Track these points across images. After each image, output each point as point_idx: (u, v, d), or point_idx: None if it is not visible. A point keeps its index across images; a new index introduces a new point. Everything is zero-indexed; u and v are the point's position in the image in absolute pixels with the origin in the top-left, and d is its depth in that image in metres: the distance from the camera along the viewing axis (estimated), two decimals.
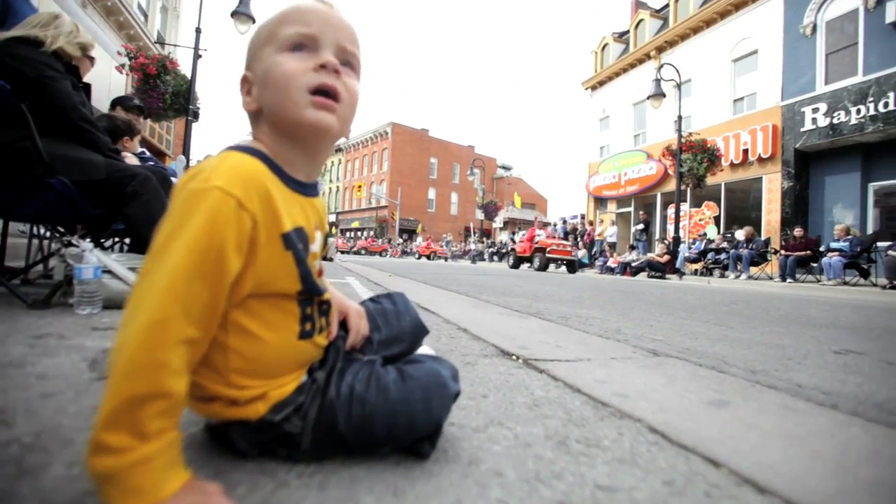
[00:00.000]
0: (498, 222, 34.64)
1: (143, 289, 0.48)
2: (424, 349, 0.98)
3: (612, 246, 16.61)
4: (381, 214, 38.75)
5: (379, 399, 0.62)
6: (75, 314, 1.55)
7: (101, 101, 9.73)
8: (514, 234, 27.67)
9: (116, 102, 2.95)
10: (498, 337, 1.83)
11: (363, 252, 30.66)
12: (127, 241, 2.51)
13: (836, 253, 8.89)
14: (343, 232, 37.33)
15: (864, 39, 11.79)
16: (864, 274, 8.72)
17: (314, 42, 0.60)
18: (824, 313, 3.37)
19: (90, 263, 1.56)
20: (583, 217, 22.96)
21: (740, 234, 11.72)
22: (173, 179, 2.62)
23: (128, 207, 1.75)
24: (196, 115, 8.03)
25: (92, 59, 2.08)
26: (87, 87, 2.05)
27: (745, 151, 14.23)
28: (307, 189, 0.64)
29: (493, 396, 1.05)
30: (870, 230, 11.57)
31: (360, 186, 29.96)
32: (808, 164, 13.21)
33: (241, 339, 0.57)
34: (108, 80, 10.23)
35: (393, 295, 0.88)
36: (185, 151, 8.15)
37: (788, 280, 9.42)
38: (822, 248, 9.57)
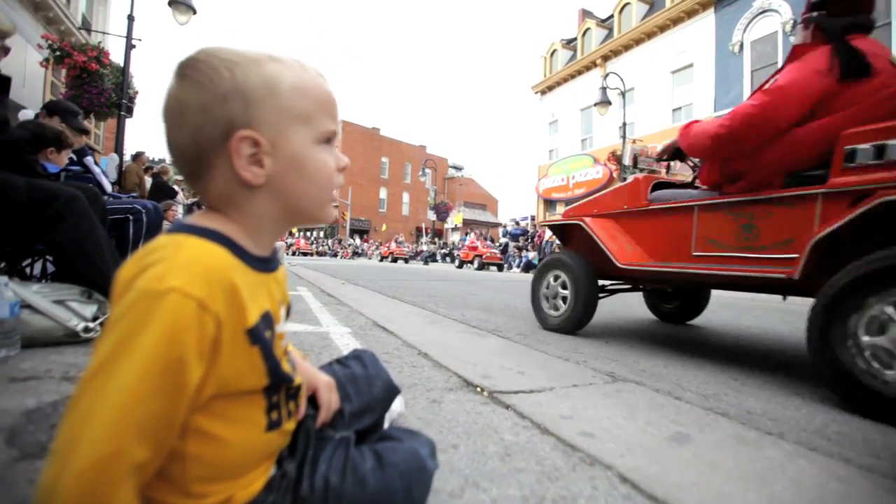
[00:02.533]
0: (449, 223, 34.85)
1: (87, 410, 0.41)
2: (395, 403, 0.94)
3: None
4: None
5: (357, 491, 0.57)
6: None
7: (15, 90, 8.80)
8: (466, 234, 27.97)
9: (53, 111, 2.64)
10: (460, 364, 1.81)
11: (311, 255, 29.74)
12: (49, 258, 2.26)
13: None
14: (304, 232, 35.95)
15: (782, 60, 12.87)
16: None
17: (335, 137, 0.58)
18: (756, 321, 3.62)
19: (5, 300, 1.38)
20: (533, 218, 23.57)
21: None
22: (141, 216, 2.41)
23: (53, 233, 1.56)
24: (130, 111, 7.44)
25: (6, 49, 1.84)
26: (7, 81, 1.81)
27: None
28: (270, 264, 0.58)
29: (464, 447, 1.02)
30: None
31: None
32: None
33: (202, 444, 0.50)
34: (23, 67, 9.29)
35: (362, 356, 0.83)
36: (118, 149, 7.53)
37: None
38: None
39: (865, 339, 1.37)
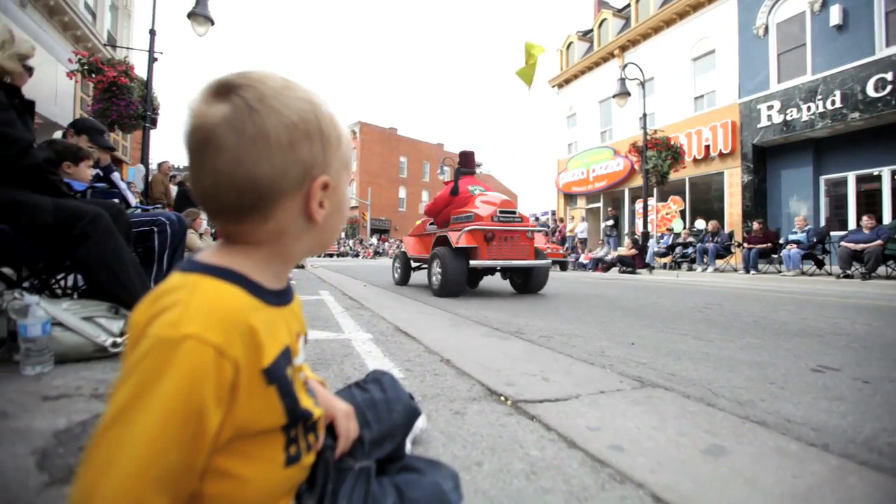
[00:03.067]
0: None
1: (105, 461, 0.40)
2: (418, 420, 0.92)
3: (583, 242, 16.91)
4: (352, 215, 38.22)
5: None
6: (22, 376, 1.40)
7: (47, 108, 9.14)
8: None
9: (81, 129, 2.72)
10: (483, 370, 1.78)
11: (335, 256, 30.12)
12: (79, 276, 2.32)
13: (794, 245, 9.31)
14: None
15: (811, 41, 12.36)
16: (819, 264, 9.16)
17: None
18: (792, 316, 3.48)
19: (37, 319, 1.41)
20: (553, 213, 23.28)
21: (700, 224, 12.20)
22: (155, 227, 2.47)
23: (79, 251, 1.60)
24: (154, 122, 7.64)
25: (31, 70, 1.88)
26: (31, 105, 1.86)
27: (707, 147, 14.72)
28: (286, 297, 0.57)
29: (488, 464, 0.99)
30: (822, 221, 12.20)
31: None
32: (765, 159, 13.78)
33: (220, 484, 0.49)
34: (54, 85, 9.64)
35: (381, 380, 0.81)
36: (144, 160, 7.76)
37: (752, 272, 9.79)
38: (781, 241, 10.00)
39: None
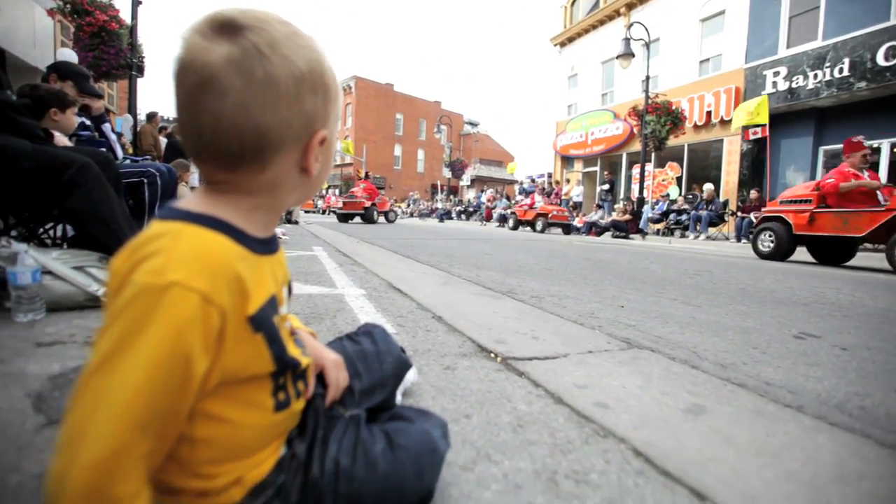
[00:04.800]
0: (465, 180, 34.40)
1: (91, 407, 0.40)
2: (410, 376, 0.94)
3: (578, 205, 16.88)
4: (346, 172, 37.66)
5: (367, 474, 0.57)
6: (14, 322, 1.40)
7: (25, 51, 8.69)
8: (482, 191, 27.63)
9: (65, 74, 2.57)
10: (474, 328, 1.81)
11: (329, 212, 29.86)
12: (68, 227, 2.29)
13: None
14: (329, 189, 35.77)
15: (825, 3, 11.92)
16: None
17: None
18: (779, 285, 3.54)
19: (26, 267, 1.40)
20: (550, 175, 23.08)
21: (707, 186, 12.19)
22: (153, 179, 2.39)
23: (68, 201, 1.57)
24: (141, 70, 7.33)
25: None
26: (0, 55, 1.76)
27: (709, 113, 14.47)
28: (271, 245, 0.56)
29: (477, 417, 1.02)
30: None
31: None
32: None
33: (210, 427, 0.50)
34: (31, 27, 9.14)
35: (373, 332, 0.82)
36: (131, 109, 7.50)
37: (744, 240, 9.88)
38: None
39: None
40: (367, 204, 13.67)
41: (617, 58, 12.76)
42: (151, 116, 8.24)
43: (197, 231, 0.47)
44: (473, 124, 50.88)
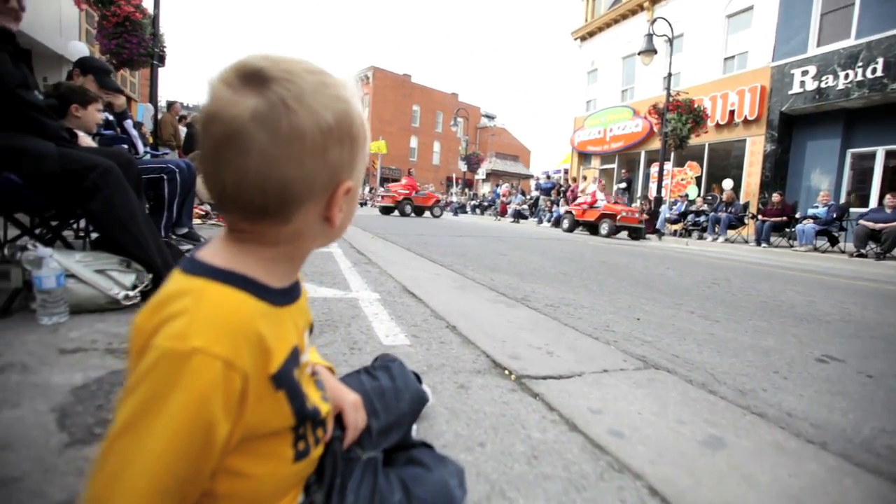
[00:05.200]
0: (481, 174, 34.23)
1: (114, 473, 0.40)
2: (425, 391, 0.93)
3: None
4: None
5: None
6: (39, 325, 1.43)
7: (52, 39, 8.85)
8: (497, 185, 27.46)
9: (87, 69, 2.61)
10: (488, 340, 1.81)
11: None
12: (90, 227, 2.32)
13: (811, 220, 9.13)
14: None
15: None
16: (833, 241, 9.02)
17: None
18: (801, 297, 3.46)
19: (51, 271, 1.43)
20: (566, 172, 22.83)
21: (727, 183, 11.93)
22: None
23: (90, 204, 1.59)
24: (162, 60, 7.41)
25: (19, 10, 1.78)
26: (27, 55, 1.78)
27: (732, 112, 14.14)
28: (293, 294, 0.55)
29: (491, 445, 1.01)
30: (842, 196, 11.88)
31: None
32: (791, 129, 13.24)
33: (230, 483, 0.50)
34: (58, 16, 9.29)
35: (391, 367, 0.81)
36: (152, 98, 7.59)
37: (763, 245, 9.68)
38: (797, 215, 9.80)
39: None
40: (399, 198, 14.60)
41: (639, 54, 12.49)
42: (170, 106, 8.35)
43: (219, 290, 0.46)
44: (490, 117, 50.52)
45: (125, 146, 2.67)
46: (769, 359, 1.83)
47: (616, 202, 12.28)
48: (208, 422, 0.42)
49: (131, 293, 1.63)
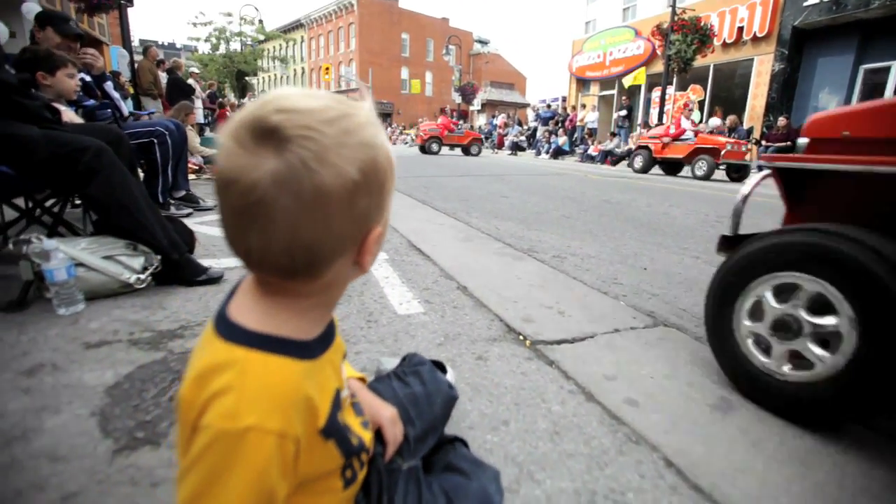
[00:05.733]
0: (475, 105, 32.98)
1: None
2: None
3: (592, 132, 16.25)
4: (352, 98, 36.13)
5: None
6: (57, 317, 1.45)
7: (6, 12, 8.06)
8: (493, 116, 26.54)
9: (44, 22, 2.38)
10: (500, 301, 1.84)
11: None
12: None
13: None
14: None
15: None
16: None
17: None
18: None
19: (60, 262, 1.42)
20: (564, 100, 22.01)
21: (715, 121, 11.50)
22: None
23: (88, 188, 1.54)
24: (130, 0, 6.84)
25: None
26: None
27: (741, 29, 13.34)
28: (329, 338, 0.55)
29: (514, 423, 1.06)
30: None
31: (327, 68, 27.30)
32: (802, 46, 12.57)
33: None
34: None
35: (421, 372, 0.83)
36: (125, 43, 7.11)
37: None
38: None
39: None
40: (426, 137, 14.86)
41: None
42: (146, 50, 7.83)
43: (262, 360, 0.46)
44: (483, 42, 47.76)
45: (109, 111, 2.54)
46: None
47: (714, 132, 10.00)
48: (269, 490, 0.43)
49: (142, 276, 1.63)
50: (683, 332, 1.63)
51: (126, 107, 3.09)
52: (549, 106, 20.62)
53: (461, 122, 17.33)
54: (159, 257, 1.69)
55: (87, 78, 2.63)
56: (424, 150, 14.81)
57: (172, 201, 3.22)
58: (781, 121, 9.99)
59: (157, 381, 1.14)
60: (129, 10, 6.92)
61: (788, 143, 9.55)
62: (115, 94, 2.74)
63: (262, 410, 0.43)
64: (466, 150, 15.45)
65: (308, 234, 0.43)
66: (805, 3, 11.88)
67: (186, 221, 2.48)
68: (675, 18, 11.78)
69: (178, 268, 1.73)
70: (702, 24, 12.07)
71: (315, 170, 0.42)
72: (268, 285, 0.50)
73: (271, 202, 0.41)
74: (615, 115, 15.76)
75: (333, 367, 0.55)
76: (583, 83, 20.37)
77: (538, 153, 17.02)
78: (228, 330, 0.48)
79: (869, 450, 1.04)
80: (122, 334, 1.37)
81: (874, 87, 11.52)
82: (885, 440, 1.09)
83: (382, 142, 0.48)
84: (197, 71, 11.15)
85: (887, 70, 11.23)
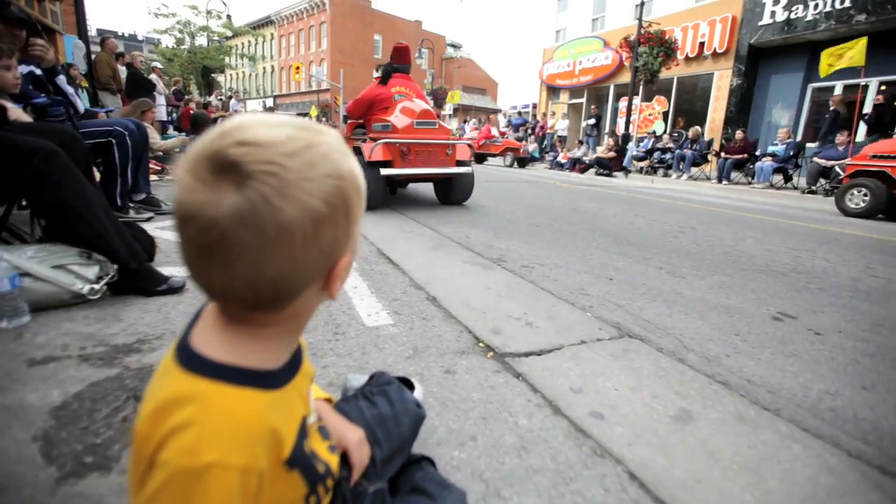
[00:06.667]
0: (448, 109, 33.12)
1: None
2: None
3: (562, 140, 16.57)
4: (323, 99, 35.68)
5: None
6: (1, 331, 1.36)
7: None
8: (465, 121, 26.69)
9: None
10: (469, 313, 1.84)
11: None
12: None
13: (769, 157, 9.41)
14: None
15: None
16: (787, 178, 9.40)
17: None
18: (759, 246, 3.65)
19: (2, 273, 1.33)
20: (534, 107, 22.38)
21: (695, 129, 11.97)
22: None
23: (38, 195, 1.45)
24: None
25: None
26: None
27: (702, 45, 13.92)
28: (295, 365, 0.54)
29: (482, 438, 1.07)
30: (801, 131, 12.21)
31: (297, 67, 26.78)
32: (758, 62, 13.23)
33: None
34: None
35: (388, 391, 0.82)
36: (81, 33, 6.77)
37: (724, 182, 10.00)
38: (757, 152, 10.07)
39: None
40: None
41: None
42: (104, 42, 7.49)
43: (226, 393, 0.44)
44: (456, 46, 48.08)
45: (62, 108, 2.40)
46: (731, 319, 1.96)
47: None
48: None
49: (96, 286, 1.55)
50: (647, 344, 1.67)
51: (82, 102, 2.93)
52: (520, 113, 20.90)
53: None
54: (116, 266, 1.61)
55: (38, 71, 2.48)
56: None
57: (132, 205, 3.08)
58: (739, 134, 10.46)
59: (109, 401, 1.08)
60: None
61: (745, 155, 10.02)
62: (69, 89, 2.59)
63: (225, 446, 0.41)
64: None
65: (272, 270, 0.42)
66: (760, 23, 12.52)
67: (146, 227, 2.37)
68: (642, 31, 12.19)
69: (136, 277, 1.65)
70: (667, 37, 12.54)
71: (277, 206, 0.40)
72: (232, 314, 0.48)
73: (232, 239, 0.40)
74: (584, 124, 16.12)
75: (300, 395, 0.54)
76: (553, 91, 20.76)
77: (511, 162, 17.22)
78: (190, 360, 0.46)
79: (816, 457, 1.10)
80: (72, 349, 1.29)
81: (821, 105, 12.24)
82: (830, 448, 1.15)
83: (350, 168, 0.47)
84: (160, 66, 10.73)
85: (832, 89, 11.96)
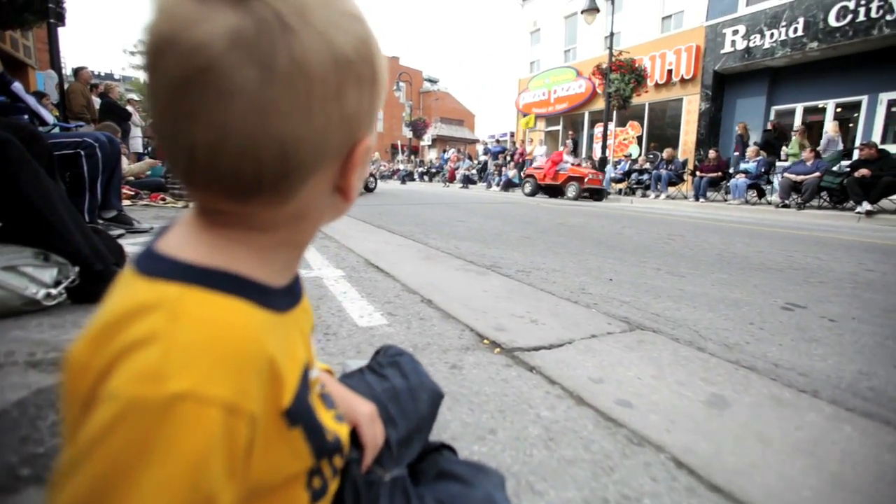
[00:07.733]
0: (426, 140, 33.59)
1: None
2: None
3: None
4: None
5: None
6: None
7: None
8: (444, 151, 27.05)
9: None
10: (469, 312, 1.71)
11: None
12: None
13: (742, 175, 9.70)
14: None
15: None
16: (761, 194, 9.68)
17: None
18: (749, 248, 3.64)
19: None
20: (512, 135, 22.87)
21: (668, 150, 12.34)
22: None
23: None
24: (60, 18, 6.42)
25: None
26: None
27: (670, 72, 14.55)
28: (296, 293, 0.41)
29: (503, 431, 0.93)
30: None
31: None
32: (723, 87, 13.85)
33: None
34: None
35: (400, 362, 0.68)
36: (54, 64, 6.62)
37: (701, 199, 10.22)
38: (731, 170, 10.38)
39: None
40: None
41: (582, 13, 12.47)
42: (77, 72, 7.35)
43: (205, 299, 0.31)
44: (433, 81, 49.40)
45: (25, 116, 2.25)
46: (741, 310, 1.88)
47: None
48: (206, 496, 0.28)
49: (54, 291, 1.37)
50: (661, 335, 1.57)
51: (50, 117, 2.78)
52: (497, 141, 21.30)
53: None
54: (77, 269, 1.44)
55: None
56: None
57: (101, 222, 2.89)
58: (712, 153, 10.79)
59: (57, 408, 0.91)
60: (60, 29, 6.47)
61: (719, 173, 10.30)
62: (31, 99, 2.44)
63: (202, 369, 0.28)
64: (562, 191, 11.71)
65: (280, 126, 0.30)
66: (722, 51, 13.18)
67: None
68: (613, 60, 12.67)
69: (101, 281, 1.48)
70: (636, 65, 13.05)
71: (294, 30, 0.29)
72: (216, 214, 0.35)
73: (227, 73, 0.28)
74: (561, 150, 16.48)
75: (302, 335, 0.41)
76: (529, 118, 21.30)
77: (489, 185, 17.37)
78: (152, 262, 0.33)
79: (871, 436, 0.99)
80: (18, 356, 1.11)
81: (784, 126, 12.81)
82: (883, 427, 1.04)
83: (372, 29, 0.36)
84: (137, 98, 10.61)
85: (793, 112, 12.56)
